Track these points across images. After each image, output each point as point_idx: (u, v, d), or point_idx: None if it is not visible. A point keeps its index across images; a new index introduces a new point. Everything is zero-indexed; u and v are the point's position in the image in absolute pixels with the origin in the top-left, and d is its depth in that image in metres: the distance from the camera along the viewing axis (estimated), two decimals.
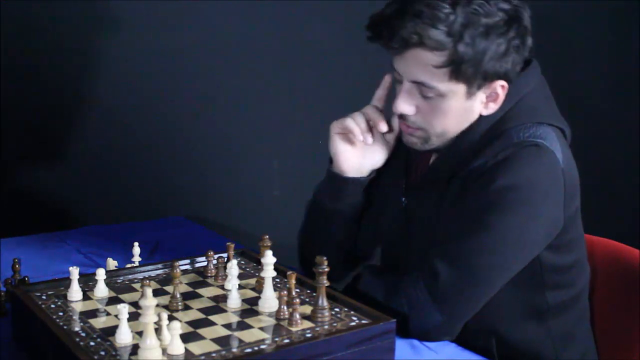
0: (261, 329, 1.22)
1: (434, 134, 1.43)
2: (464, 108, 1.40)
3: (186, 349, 1.13)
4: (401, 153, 1.56)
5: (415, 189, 1.52)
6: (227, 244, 1.52)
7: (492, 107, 1.42)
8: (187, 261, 1.52)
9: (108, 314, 1.28)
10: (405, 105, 1.41)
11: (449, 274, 1.35)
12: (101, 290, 1.36)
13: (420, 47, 1.33)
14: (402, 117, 1.44)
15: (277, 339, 1.18)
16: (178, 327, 1.11)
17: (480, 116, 1.43)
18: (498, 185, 1.34)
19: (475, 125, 1.43)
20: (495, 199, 1.35)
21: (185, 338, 1.16)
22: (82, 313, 1.28)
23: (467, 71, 1.34)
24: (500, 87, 1.40)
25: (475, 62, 1.34)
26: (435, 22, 1.31)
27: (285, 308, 1.26)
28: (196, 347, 1.15)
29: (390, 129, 1.52)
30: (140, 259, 1.66)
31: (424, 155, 1.53)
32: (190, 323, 1.24)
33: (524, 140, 1.37)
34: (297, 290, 1.36)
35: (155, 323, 1.11)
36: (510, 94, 1.42)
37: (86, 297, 1.35)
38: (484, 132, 1.42)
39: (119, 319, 1.17)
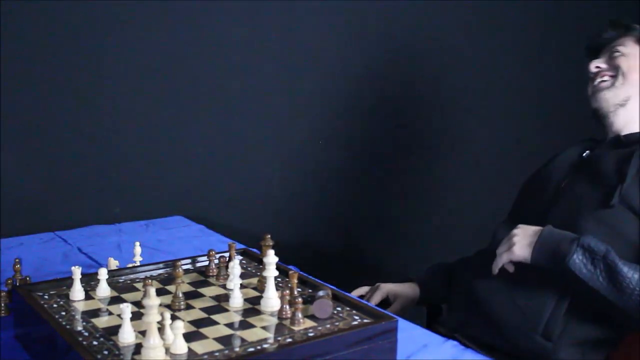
0: (263, 328, 1.23)
1: (621, 74, 1.72)
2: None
3: (189, 348, 1.14)
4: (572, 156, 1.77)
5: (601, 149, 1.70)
6: (229, 243, 1.53)
7: None
8: (189, 260, 1.52)
9: (110, 313, 1.28)
10: (598, 63, 1.77)
11: None
12: (103, 289, 1.36)
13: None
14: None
15: (279, 338, 1.19)
16: (181, 327, 1.11)
17: None
18: None
19: None
20: None
21: (188, 337, 1.16)
22: (84, 312, 1.28)
23: None
24: None
25: None
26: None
27: (288, 307, 1.26)
28: (199, 347, 1.15)
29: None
30: (141, 259, 1.66)
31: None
32: (192, 322, 1.25)
33: None
34: (299, 289, 1.37)
35: (158, 322, 1.11)
36: None
37: (88, 296, 1.35)
38: None
39: (121, 318, 1.17)
